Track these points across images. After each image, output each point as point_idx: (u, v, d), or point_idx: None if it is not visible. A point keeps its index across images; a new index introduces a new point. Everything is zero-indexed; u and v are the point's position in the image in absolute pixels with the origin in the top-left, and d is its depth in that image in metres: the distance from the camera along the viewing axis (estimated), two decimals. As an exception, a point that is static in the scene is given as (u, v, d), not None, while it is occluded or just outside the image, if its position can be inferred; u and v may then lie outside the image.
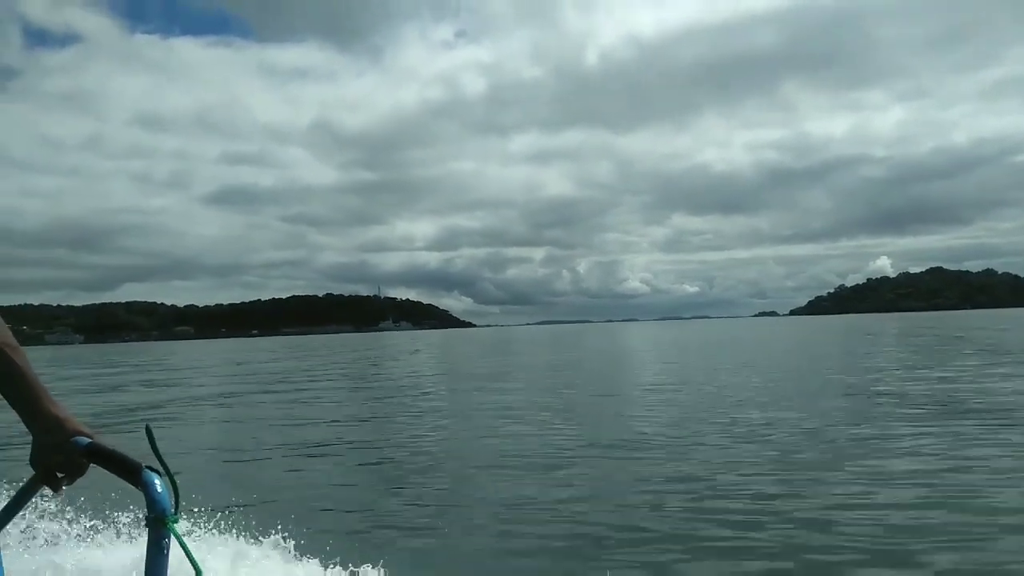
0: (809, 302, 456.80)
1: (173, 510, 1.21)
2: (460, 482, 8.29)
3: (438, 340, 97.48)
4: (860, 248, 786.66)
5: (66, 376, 35.38)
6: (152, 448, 1.27)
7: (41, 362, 53.49)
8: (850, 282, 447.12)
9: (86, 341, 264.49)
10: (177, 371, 38.32)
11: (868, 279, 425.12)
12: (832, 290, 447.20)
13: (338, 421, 14.41)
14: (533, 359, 37.00)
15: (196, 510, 5.04)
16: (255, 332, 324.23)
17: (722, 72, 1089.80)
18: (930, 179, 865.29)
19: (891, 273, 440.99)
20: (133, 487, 1.23)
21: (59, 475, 1.31)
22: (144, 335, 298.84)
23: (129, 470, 1.24)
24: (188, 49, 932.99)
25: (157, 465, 1.25)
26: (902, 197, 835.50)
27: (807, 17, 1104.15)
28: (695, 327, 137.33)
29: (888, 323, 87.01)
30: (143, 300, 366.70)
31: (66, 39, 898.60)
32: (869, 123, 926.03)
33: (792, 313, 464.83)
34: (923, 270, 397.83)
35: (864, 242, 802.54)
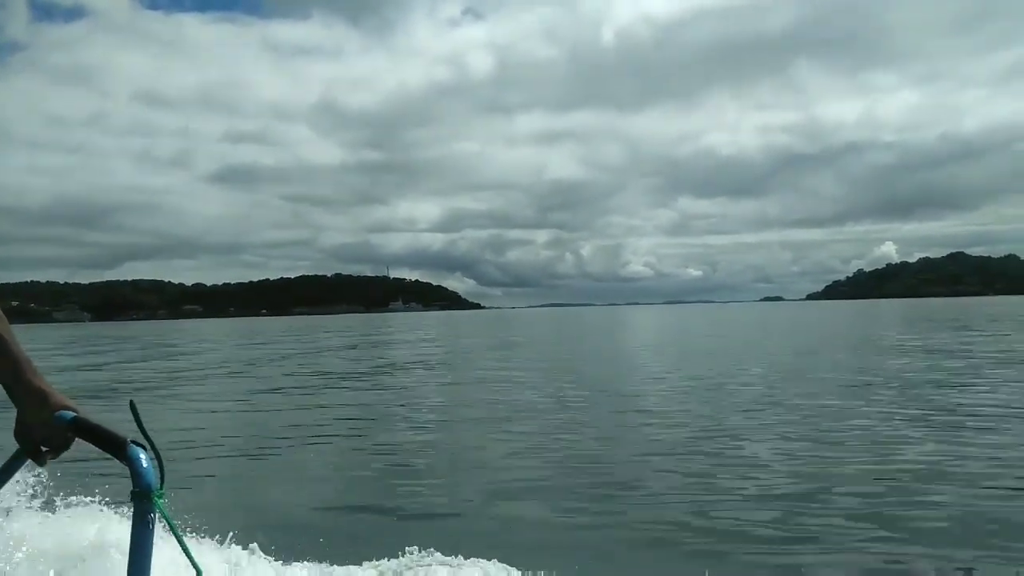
0: (826, 287, 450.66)
1: (159, 485, 1.19)
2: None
3: (460, 322, 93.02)
4: (865, 234, 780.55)
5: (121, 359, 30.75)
6: (137, 423, 1.26)
7: (58, 341, 49.13)
8: (853, 268, 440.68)
9: (94, 319, 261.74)
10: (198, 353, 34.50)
11: (888, 264, 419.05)
12: (850, 275, 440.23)
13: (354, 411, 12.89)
14: (566, 345, 32.98)
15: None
16: (264, 312, 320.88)
17: (733, 53, 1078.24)
18: (938, 165, 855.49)
19: (896, 259, 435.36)
20: (118, 462, 1.21)
21: (44, 449, 1.30)
22: (152, 313, 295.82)
23: (114, 444, 1.22)
24: (192, 25, 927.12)
25: (143, 441, 1.23)
26: (909, 183, 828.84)
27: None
28: (719, 312, 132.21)
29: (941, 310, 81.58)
30: (148, 278, 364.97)
31: (73, 12, 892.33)
32: (879, 107, 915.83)
33: (809, 298, 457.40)
34: (943, 255, 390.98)
35: (869, 228, 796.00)
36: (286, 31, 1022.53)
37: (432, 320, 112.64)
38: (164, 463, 1.22)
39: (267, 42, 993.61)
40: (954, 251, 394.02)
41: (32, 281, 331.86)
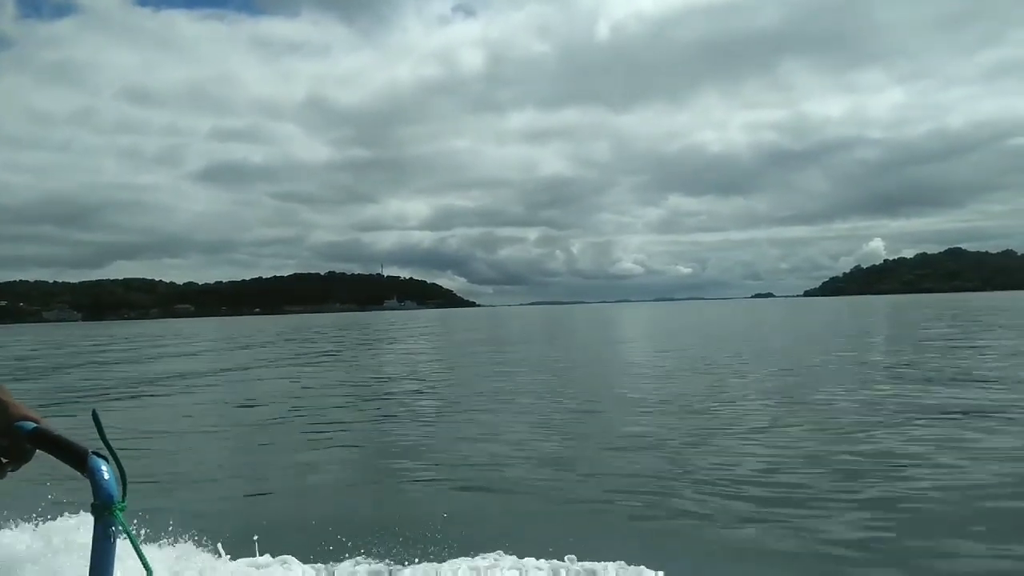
0: (823, 283, 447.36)
1: (120, 497, 1.14)
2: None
3: (483, 321, 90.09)
4: (853, 231, 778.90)
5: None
6: (99, 433, 1.20)
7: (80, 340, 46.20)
8: (842, 264, 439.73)
9: (85, 319, 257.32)
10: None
11: (885, 260, 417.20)
12: (847, 271, 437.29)
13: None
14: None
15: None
16: (257, 310, 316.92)
17: (722, 51, 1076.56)
18: (925, 162, 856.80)
19: (883, 255, 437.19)
20: (80, 474, 1.16)
21: (3, 461, 1.24)
22: (144, 313, 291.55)
23: (75, 456, 1.17)
24: (181, 22, 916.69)
25: (106, 452, 1.18)
26: (896, 180, 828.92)
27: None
28: (729, 309, 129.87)
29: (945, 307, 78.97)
30: (136, 277, 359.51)
31: (62, 8, 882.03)
32: (866, 105, 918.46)
33: (807, 294, 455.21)
34: (941, 251, 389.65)
35: (857, 224, 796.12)
36: (275, 28, 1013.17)
37: (441, 318, 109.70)
38: (127, 475, 1.17)
39: (256, 39, 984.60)
40: (951, 247, 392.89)
41: (20, 280, 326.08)
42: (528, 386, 15.00)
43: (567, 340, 34.93)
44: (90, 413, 1.23)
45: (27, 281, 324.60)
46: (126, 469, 1.17)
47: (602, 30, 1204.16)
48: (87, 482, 1.15)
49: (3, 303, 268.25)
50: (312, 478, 7.70)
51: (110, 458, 1.18)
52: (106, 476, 1.15)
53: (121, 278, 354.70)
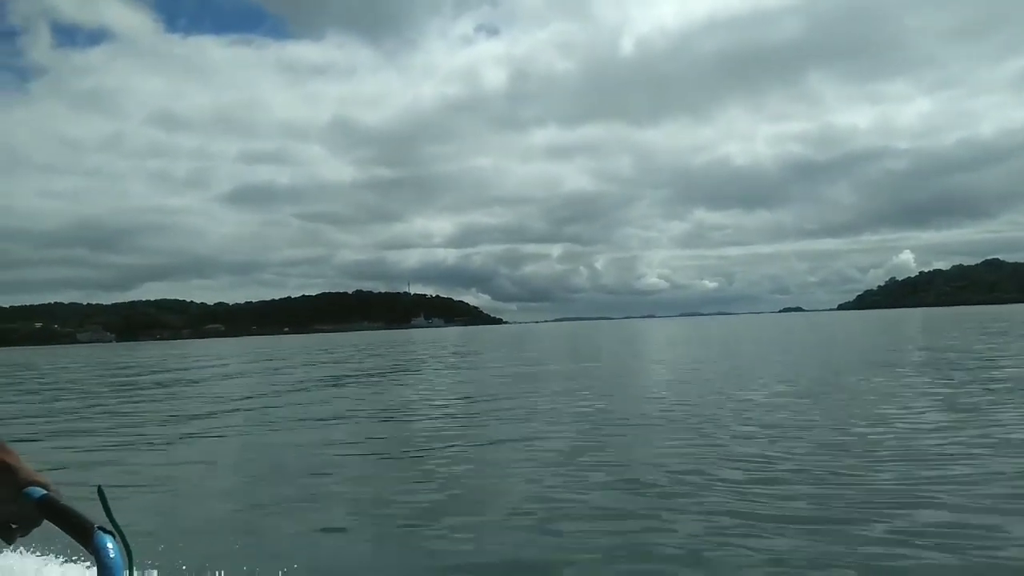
0: (858, 296, 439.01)
1: None
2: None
3: (506, 338, 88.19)
4: (882, 243, 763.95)
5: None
6: (104, 510, 1.16)
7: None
8: (871, 277, 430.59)
9: (118, 339, 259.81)
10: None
11: (920, 272, 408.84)
12: (882, 284, 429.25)
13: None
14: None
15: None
16: (287, 330, 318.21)
17: (745, 63, 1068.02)
18: (954, 171, 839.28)
19: (914, 268, 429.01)
20: (84, 549, 1.11)
21: (12, 526, 1.21)
22: (176, 333, 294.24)
23: (81, 531, 1.12)
24: (210, 47, 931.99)
25: (111, 528, 1.13)
26: (926, 190, 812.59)
27: (833, 6, 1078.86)
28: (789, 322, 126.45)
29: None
30: (166, 298, 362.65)
31: (97, 36, 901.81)
32: (894, 115, 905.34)
33: (840, 308, 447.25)
34: (978, 262, 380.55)
35: (887, 236, 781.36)
36: (302, 51, 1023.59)
37: (493, 338, 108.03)
38: (133, 551, 1.11)
39: (283, 63, 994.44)
40: (987, 258, 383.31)
41: (55, 303, 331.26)
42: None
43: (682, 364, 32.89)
44: (96, 489, 1.18)
45: (62, 303, 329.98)
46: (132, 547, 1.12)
47: (626, 46, 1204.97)
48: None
49: (38, 324, 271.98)
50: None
51: (116, 535, 1.13)
52: (111, 555, 1.10)
53: (152, 299, 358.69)
